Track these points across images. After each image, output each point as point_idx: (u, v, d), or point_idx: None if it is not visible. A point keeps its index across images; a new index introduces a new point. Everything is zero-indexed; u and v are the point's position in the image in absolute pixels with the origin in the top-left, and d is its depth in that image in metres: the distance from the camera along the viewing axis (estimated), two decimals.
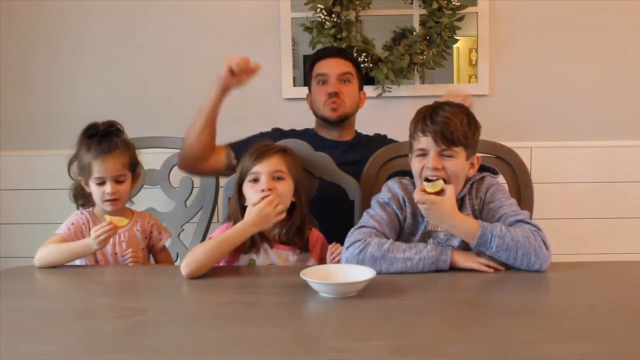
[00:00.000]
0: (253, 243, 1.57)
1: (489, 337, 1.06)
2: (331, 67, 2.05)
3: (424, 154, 1.53)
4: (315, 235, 1.67)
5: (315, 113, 2.09)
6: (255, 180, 1.58)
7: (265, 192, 1.54)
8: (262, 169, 1.58)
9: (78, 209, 1.78)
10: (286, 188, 1.59)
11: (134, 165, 1.76)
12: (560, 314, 1.19)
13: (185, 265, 1.45)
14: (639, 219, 2.50)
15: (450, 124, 1.49)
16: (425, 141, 1.51)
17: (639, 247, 2.45)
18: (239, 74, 1.79)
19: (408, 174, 1.68)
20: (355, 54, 2.41)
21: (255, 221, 1.50)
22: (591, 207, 2.51)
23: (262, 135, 2.03)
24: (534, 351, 1.00)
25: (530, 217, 1.83)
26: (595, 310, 1.20)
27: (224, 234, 1.51)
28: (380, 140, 2.11)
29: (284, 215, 1.52)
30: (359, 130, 2.15)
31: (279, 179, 1.59)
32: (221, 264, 1.57)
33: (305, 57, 2.54)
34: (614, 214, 2.51)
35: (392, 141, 2.09)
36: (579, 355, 0.98)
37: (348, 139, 2.09)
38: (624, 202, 2.51)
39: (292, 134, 2.07)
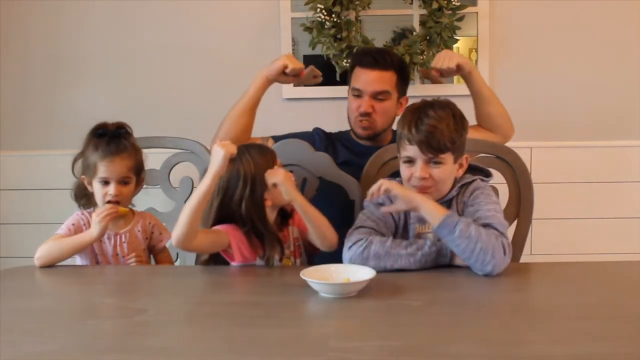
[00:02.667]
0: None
1: (489, 337, 1.06)
2: (366, 83, 1.96)
3: (411, 161, 1.52)
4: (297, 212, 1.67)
5: (348, 120, 2.06)
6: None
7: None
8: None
9: (80, 208, 1.78)
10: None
11: (139, 170, 1.76)
12: (560, 314, 1.19)
13: (176, 237, 1.44)
14: (639, 219, 2.50)
15: (436, 132, 1.47)
16: (411, 149, 1.50)
17: (639, 247, 2.45)
18: (289, 75, 1.90)
19: None
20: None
21: (210, 164, 1.48)
22: (591, 207, 2.51)
23: (305, 134, 2.05)
24: (534, 351, 1.00)
25: (530, 217, 1.84)
26: (595, 310, 1.20)
27: (194, 194, 1.48)
28: None
29: (234, 150, 1.50)
30: None
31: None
32: (237, 263, 1.55)
33: (305, 57, 2.54)
34: (614, 214, 2.51)
35: None
36: (579, 355, 0.98)
37: (385, 143, 2.04)
38: (624, 202, 2.50)
39: (331, 136, 2.09)
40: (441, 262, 1.47)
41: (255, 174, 1.53)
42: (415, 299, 1.27)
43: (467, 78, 2.01)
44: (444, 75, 2.04)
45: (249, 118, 1.94)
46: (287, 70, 1.88)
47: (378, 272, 1.34)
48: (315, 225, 1.53)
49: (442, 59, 1.96)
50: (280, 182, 1.50)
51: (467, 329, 1.11)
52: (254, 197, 1.53)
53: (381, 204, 1.58)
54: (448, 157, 1.51)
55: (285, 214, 1.64)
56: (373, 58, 1.99)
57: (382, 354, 1.00)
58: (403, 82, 2.04)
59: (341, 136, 2.09)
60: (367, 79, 1.97)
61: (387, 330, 1.11)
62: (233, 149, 1.48)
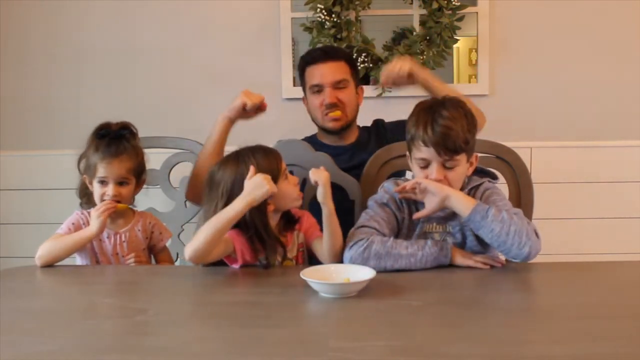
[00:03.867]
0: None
1: (488, 337, 1.06)
2: (324, 75, 1.97)
3: (426, 164, 1.52)
4: (305, 219, 1.67)
5: (314, 121, 2.06)
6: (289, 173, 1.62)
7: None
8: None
9: (81, 206, 1.79)
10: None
11: (139, 172, 1.76)
12: (560, 314, 1.19)
13: (192, 252, 1.42)
14: (639, 219, 2.50)
15: (452, 134, 1.47)
16: (426, 151, 1.50)
17: (639, 247, 2.45)
18: (250, 110, 1.85)
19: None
20: (355, 54, 2.41)
21: (251, 194, 1.44)
22: (591, 207, 2.51)
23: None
24: (534, 351, 1.00)
25: (530, 217, 1.84)
26: (595, 310, 1.20)
27: (220, 212, 1.45)
28: (381, 127, 2.10)
29: (276, 189, 1.47)
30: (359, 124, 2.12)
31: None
32: (237, 266, 1.54)
33: None
34: (614, 214, 2.51)
35: (390, 125, 2.09)
36: (579, 355, 0.98)
37: (352, 141, 2.07)
38: (624, 202, 2.51)
39: None
40: (442, 262, 1.47)
41: None
42: (415, 299, 1.27)
43: (424, 84, 1.93)
44: (399, 85, 1.98)
45: (218, 159, 1.84)
46: (247, 107, 1.84)
47: (378, 272, 1.34)
48: (333, 236, 1.50)
49: (389, 75, 1.88)
50: (322, 184, 1.49)
51: (467, 329, 1.11)
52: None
53: (385, 204, 1.59)
54: (462, 158, 1.51)
55: (291, 219, 1.64)
56: (322, 52, 2.05)
57: (382, 354, 1.00)
58: (355, 71, 2.06)
59: (309, 140, 2.05)
60: (323, 72, 1.98)
61: (387, 330, 1.11)
62: (274, 189, 1.46)
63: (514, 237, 1.40)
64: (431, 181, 1.48)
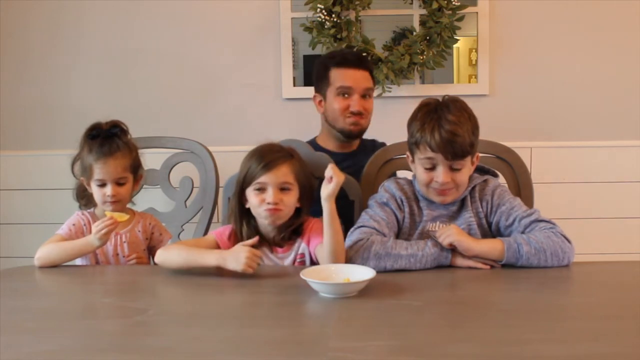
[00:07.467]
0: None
1: (488, 337, 1.06)
2: (357, 80, 1.98)
3: (432, 166, 1.52)
4: (310, 223, 1.66)
5: (330, 123, 2.03)
6: (261, 189, 1.57)
7: (271, 205, 1.54)
8: (270, 179, 1.55)
9: (80, 208, 1.78)
10: (292, 199, 1.59)
11: (135, 168, 1.76)
12: (560, 314, 1.19)
13: (159, 260, 1.53)
14: (639, 219, 2.50)
15: (458, 139, 1.47)
16: (433, 155, 1.51)
17: (639, 247, 2.45)
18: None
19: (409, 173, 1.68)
20: None
21: (227, 258, 1.45)
22: (591, 207, 2.51)
23: None
24: (534, 351, 1.00)
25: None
26: (595, 310, 1.20)
27: (197, 250, 1.51)
28: (374, 149, 2.08)
29: (251, 270, 1.44)
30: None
31: (286, 189, 1.58)
32: None
33: (305, 57, 2.54)
34: (614, 214, 2.51)
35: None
36: (579, 355, 0.98)
37: (352, 150, 2.06)
38: (624, 202, 2.50)
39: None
40: (442, 263, 1.47)
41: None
42: (415, 299, 1.27)
43: None
44: None
45: None
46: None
47: (378, 272, 1.34)
48: (333, 239, 1.45)
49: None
50: (336, 182, 1.42)
51: (467, 329, 1.11)
52: (239, 203, 1.62)
53: (385, 204, 1.59)
54: (467, 160, 1.53)
55: (297, 230, 1.63)
56: (357, 59, 2.04)
57: (382, 354, 1.00)
58: (374, 83, 2.09)
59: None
60: (356, 77, 1.98)
61: (387, 330, 1.11)
62: (250, 271, 1.43)
63: (552, 260, 1.45)
64: (457, 240, 1.46)
